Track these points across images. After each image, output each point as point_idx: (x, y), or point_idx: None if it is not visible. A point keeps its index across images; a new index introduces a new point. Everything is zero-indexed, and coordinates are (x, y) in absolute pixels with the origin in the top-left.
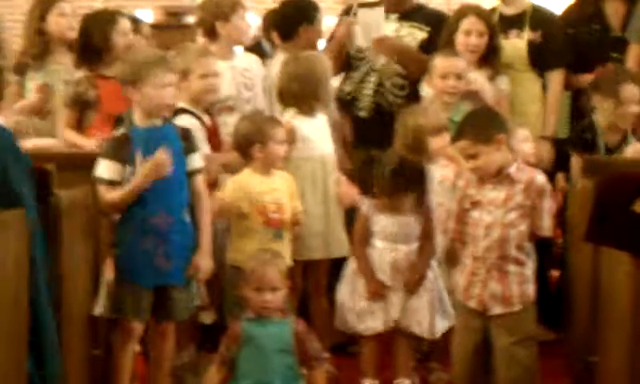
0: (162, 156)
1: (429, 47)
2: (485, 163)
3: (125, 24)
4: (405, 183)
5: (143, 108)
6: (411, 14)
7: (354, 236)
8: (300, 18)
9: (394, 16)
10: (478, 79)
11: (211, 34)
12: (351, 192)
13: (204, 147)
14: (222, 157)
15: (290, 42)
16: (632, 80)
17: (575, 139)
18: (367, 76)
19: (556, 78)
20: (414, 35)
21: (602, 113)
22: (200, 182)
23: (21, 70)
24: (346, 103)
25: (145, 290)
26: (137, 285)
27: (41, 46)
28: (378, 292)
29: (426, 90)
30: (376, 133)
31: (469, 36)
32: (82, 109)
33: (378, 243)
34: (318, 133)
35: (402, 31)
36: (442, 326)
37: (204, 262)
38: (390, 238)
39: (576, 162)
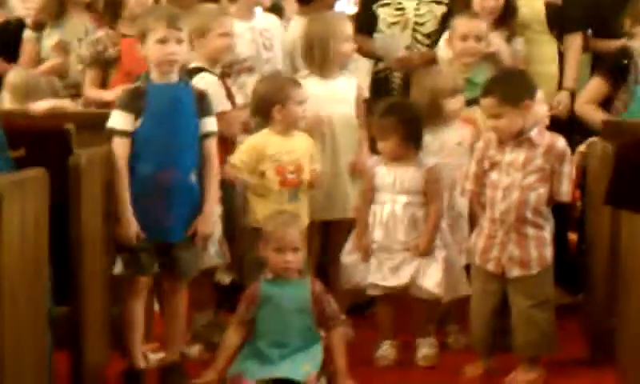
0: None
1: (450, 21)
2: (507, 125)
3: None
4: (392, 124)
5: (151, 64)
6: None
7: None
8: None
9: None
10: (495, 40)
11: None
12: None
13: (225, 104)
14: (243, 114)
15: (309, 6)
16: None
17: (607, 61)
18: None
19: (573, 41)
20: (433, 13)
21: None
22: (211, 145)
23: (38, 27)
24: (379, 81)
25: (145, 243)
26: (141, 240)
27: (58, 5)
28: (364, 251)
29: (442, 51)
30: None
31: None
32: (103, 67)
33: (378, 195)
34: (329, 94)
35: (422, 9)
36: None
37: (204, 226)
38: (387, 189)
39: (596, 84)
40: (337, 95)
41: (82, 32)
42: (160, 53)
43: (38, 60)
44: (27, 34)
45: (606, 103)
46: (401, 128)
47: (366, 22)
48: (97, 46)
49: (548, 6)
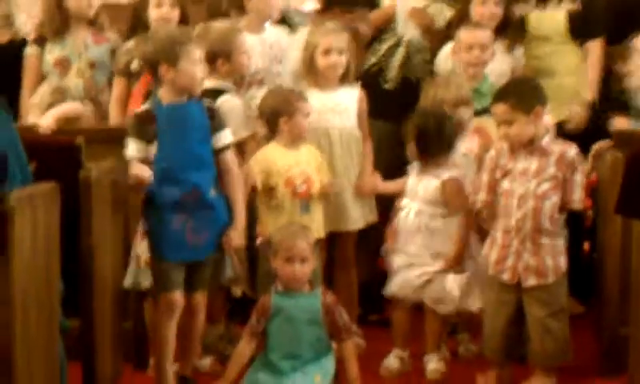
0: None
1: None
2: (518, 132)
3: None
4: (411, 130)
5: (178, 85)
6: None
7: None
8: None
9: None
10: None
11: (240, 7)
12: (373, 180)
13: (248, 127)
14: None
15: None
16: None
17: (613, 100)
18: (394, 48)
19: (596, 47)
20: (443, 13)
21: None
22: (229, 157)
23: (40, 42)
24: (371, 75)
25: (179, 263)
26: (170, 261)
27: (60, 20)
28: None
29: (442, 64)
30: (400, 105)
31: (484, 5)
32: (129, 78)
33: (401, 201)
34: (328, 106)
35: (431, 8)
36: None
37: (237, 237)
38: (409, 195)
39: (617, 122)
40: (337, 107)
41: (82, 47)
42: (196, 75)
43: (42, 75)
44: (29, 49)
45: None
46: (416, 136)
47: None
48: (126, 56)
49: (570, 15)
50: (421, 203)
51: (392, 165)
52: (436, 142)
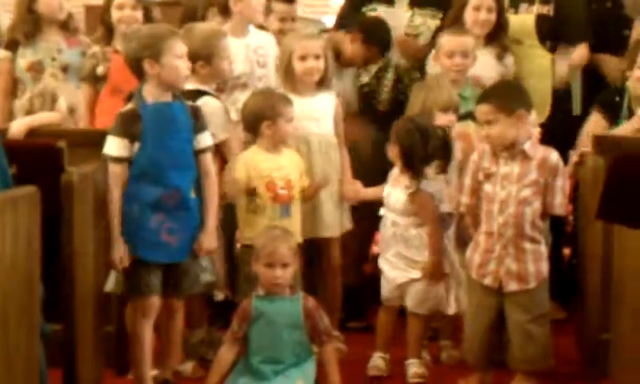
0: None
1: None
2: (499, 133)
3: None
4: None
5: (163, 80)
6: (422, 0)
7: None
8: None
9: (404, 1)
10: (483, 58)
11: (224, 11)
12: (356, 187)
13: (227, 129)
14: (241, 134)
15: None
16: None
17: (603, 99)
18: (384, 71)
19: (580, 51)
20: (427, 24)
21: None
22: (208, 160)
23: (12, 46)
24: (365, 95)
25: (155, 265)
26: (146, 261)
27: (31, 24)
28: None
29: (432, 68)
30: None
31: (478, 11)
32: (94, 83)
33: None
34: (306, 112)
35: (416, 20)
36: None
37: (208, 241)
38: (385, 205)
39: (595, 119)
40: (315, 113)
41: (54, 51)
42: (181, 70)
43: (14, 80)
44: (1, 53)
45: None
46: (394, 146)
47: (352, 22)
48: (89, 61)
49: (539, 19)
50: (394, 213)
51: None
52: (420, 156)
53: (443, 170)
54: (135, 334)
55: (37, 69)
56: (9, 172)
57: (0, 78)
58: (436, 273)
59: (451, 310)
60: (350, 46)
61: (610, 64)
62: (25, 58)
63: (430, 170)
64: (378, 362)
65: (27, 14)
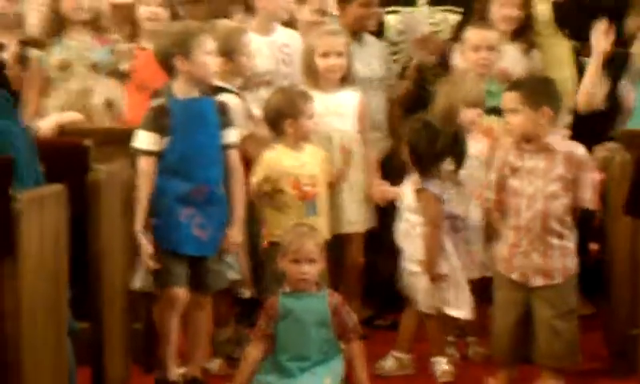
0: None
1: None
2: (520, 123)
3: None
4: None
5: (193, 76)
6: None
7: None
8: None
9: (423, 0)
10: (510, 53)
11: (249, 8)
12: (384, 189)
13: (246, 126)
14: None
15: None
16: None
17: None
18: (404, 70)
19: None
20: (447, 21)
21: None
22: (235, 156)
23: (40, 46)
24: None
25: (183, 258)
26: (175, 254)
27: (56, 24)
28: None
29: (457, 60)
30: None
31: (504, 7)
32: (119, 80)
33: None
34: (329, 108)
35: (436, 17)
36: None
37: (235, 236)
38: (400, 202)
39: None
40: (338, 109)
41: (84, 49)
42: (210, 66)
43: (44, 78)
44: (31, 52)
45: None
46: (409, 149)
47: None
48: (113, 58)
49: (555, 5)
50: (406, 210)
51: None
52: (427, 155)
53: (456, 169)
54: (162, 327)
55: (66, 67)
56: (40, 170)
57: (30, 77)
58: (428, 273)
59: (456, 313)
60: None
61: None
62: (54, 56)
63: (444, 170)
64: (388, 362)
65: (51, 15)
